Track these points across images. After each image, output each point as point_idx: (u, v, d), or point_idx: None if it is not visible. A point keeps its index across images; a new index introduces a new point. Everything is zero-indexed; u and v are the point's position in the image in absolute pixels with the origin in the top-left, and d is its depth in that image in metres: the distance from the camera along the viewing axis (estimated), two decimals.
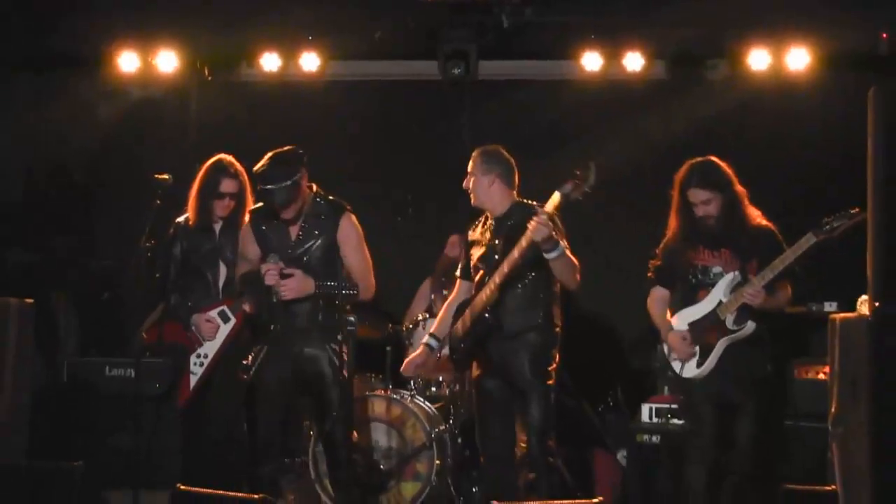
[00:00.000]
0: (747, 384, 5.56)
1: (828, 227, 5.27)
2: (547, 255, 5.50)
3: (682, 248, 5.70)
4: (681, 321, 5.65)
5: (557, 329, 5.83)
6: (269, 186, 5.49)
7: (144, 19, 8.05)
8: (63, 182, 8.71)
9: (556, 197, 5.42)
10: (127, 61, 8.27)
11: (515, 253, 5.53)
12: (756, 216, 5.68)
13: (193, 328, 6.12)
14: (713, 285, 5.58)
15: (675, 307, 5.73)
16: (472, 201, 5.95)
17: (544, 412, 5.70)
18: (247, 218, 5.88)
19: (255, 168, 5.60)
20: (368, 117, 8.64)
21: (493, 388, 5.87)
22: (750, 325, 5.47)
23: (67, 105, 8.51)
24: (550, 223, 5.36)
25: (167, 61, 8.28)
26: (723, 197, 5.61)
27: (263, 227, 5.74)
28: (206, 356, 6.12)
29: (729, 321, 5.49)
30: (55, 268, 8.54)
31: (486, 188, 5.86)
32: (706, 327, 5.53)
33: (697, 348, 5.56)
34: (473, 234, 6.04)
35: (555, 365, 5.78)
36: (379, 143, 8.56)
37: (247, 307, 5.99)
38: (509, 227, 5.75)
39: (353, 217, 5.75)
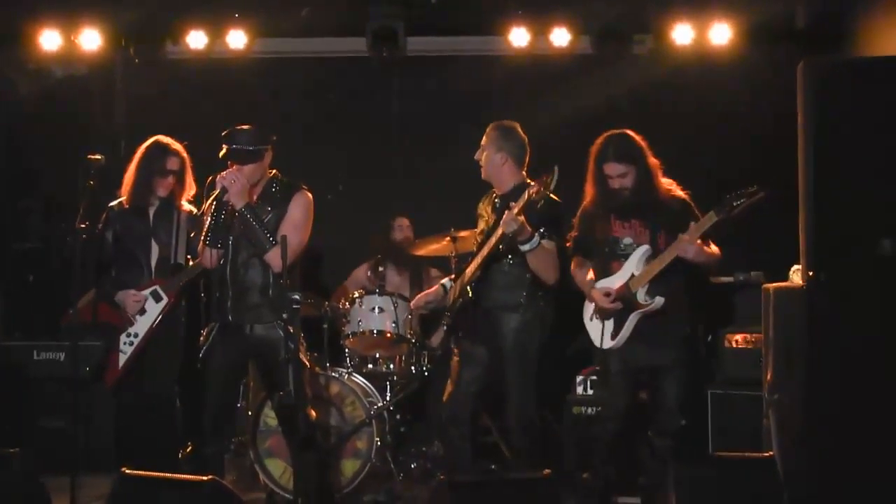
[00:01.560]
0: (665, 347, 5.66)
1: (727, 205, 5.38)
2: (521, 247, 5.65)
3: (595, 219, 5.79)
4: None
5: (544, 310, 5.91)
6: (233, 145, 5.61)
7: None
8: None
9: (525, 195, 5.48)
10: (48, 39, 8.10)
11: (493, 240, 5.71)
12: (669, 186, 5.78)
13: (120, 305, 6.07)
14: (626, 257, 5.68)
15: (596, 277, 5.82)
16: (481, 174, 6.00)
17: (522, 391, 5.81)
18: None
19: (228, 130, 5.68)
20: (297, 95, 8.60)
21: (478, 354, 5.94)
22: (658, 301, 5.55)
23: None
24: (520, 219, 5.47)
25: (90, 40, 8.13)
26: (637, 169, 5.70)
27: None
28: (136, 335, 6.09)
29: (640, 295, 5.58)
30: None
31: (497, 166, 5.95)
32: (619, 300, 5.65)
33: (612, 320, 5.68)
34: (481, 207, 6.14)
35: (537, 345, 5.88)
36: (308, 121, 8.51)
37: (207, 261, 5.84)
38: (506, 208, 5.79)
39: (308, 196, 5.80)
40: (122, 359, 6.07)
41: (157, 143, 6.22)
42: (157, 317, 6.08)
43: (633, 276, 5.59)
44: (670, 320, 5.65)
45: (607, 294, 5.65)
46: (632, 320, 5.61)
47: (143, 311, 6.08)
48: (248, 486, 6.73)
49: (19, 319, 8.26)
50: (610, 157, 5.69)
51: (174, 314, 6.16)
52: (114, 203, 6.22)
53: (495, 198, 6.01)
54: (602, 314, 5.69)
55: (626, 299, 5.59)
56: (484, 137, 6.00)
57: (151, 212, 6.19)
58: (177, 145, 6.24)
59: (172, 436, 6.20)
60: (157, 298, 6.08)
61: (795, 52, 7.69)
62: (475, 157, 6.00)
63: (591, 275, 5.81)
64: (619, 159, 5.67)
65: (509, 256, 5.80)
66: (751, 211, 7.78)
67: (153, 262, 6.15)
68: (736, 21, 8.10)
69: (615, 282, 5.65)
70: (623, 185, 5.69)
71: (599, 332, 5.72)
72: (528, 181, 5.87)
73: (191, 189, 6.25)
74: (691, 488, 4.80)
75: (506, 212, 5.54)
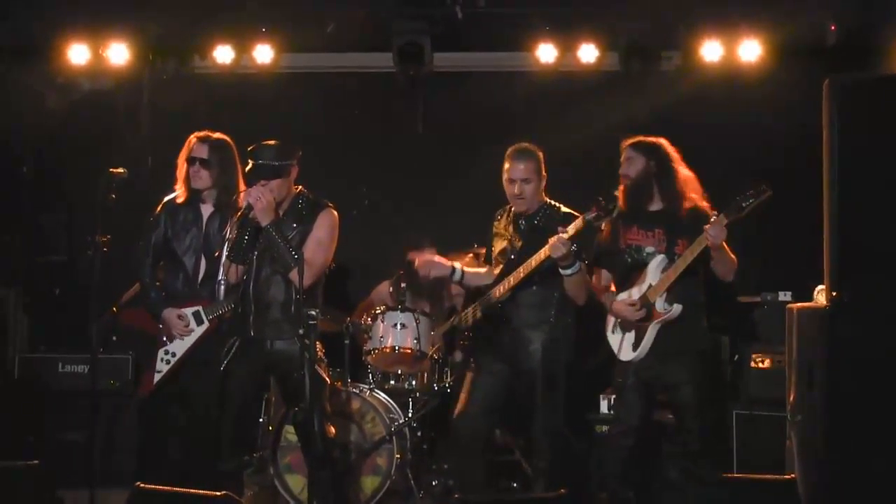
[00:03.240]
0: (683, 362, 5.60)
1: (736, 206, 5.34)
2: (563, 272, 5.66)
3: (619, 227, 5.76)
4: None
5: (570, 327, 5.92)
6: (259, 161, 5.64)
7: (95, 11, 7.97)
8: (11, 175, 8.57)
9: (579, 221, 5.52)
10: (77, 53, 8.16)
11: (533, 262, 5.71)
12: (694, 197, 5.77)
13: (163, 322, 5.95)
14: (646, 265, 5.65)
15: (617, 289, 5.79)
16: (520, 207, 5.97)
17: (550, 407, 5.79)
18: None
19: (254, 146, 5.70)
20: (323, 110, 8.60)
21: (497, 369, 5.91)
22: (676, 308, 5.51)
23: (16, 96, 8.39)
24: (569, 243, 5.48)
25: (118, 54, 8.18)
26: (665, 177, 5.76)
27: None
28: (174, 355, 5.96)
29: (659, 304, 5.55)
30: (3, 262, 8.42)
31: (541, 191, 5.97)
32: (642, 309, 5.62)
33: (633, 332, 5.64)
34: (497, 226, 6.14)
35: (564, 361, 5.88)
36: (333, 136, 8.52)
37: (231, 277, 5.84)
38: (532, 229, 5.87)
39: (333, 214, 5.82)
40: (157, 377, 5.98)
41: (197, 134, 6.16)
42: (197, 340, 5.97)
43: (650, 286, 5.57)
44: (687, 334, 5.60)
45: (632, 304, 5.62)
46: (652, 331, 5.58)
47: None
48: (268, 502, 6.72)
49: (44, 332, 8.30)
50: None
51: (214, 337, 5.98)
52: (169, 197, 6.12)
53: (519, 219, 5.97)
54: (624, 326, 5.65)
55: (646, 309, 5.57)
56: (522, 169, 5.89)
57: (206, 214, 6.08)
58: (213, 136, 6.14)
59: (204, 454, 6.06)
60: (199, 321, 5.95)
61: (825, 69, 7.61)
62: (517, 192, 5.89)
63: (612, 286, 5.79)
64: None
65: (540, 278, 5.78)
66: (781, 228, 7.78)
67: (200, 276, 6.02)
68: (765, 38, 8.03)
69: (635, 292, 5.63)
70: (626, 172, 5.75)
71: (619, 344, 5.70)
72: (550, 203, 5.94)
73: (241, 185, 6.04)
74: None
75: (556, 236, 5.53)
